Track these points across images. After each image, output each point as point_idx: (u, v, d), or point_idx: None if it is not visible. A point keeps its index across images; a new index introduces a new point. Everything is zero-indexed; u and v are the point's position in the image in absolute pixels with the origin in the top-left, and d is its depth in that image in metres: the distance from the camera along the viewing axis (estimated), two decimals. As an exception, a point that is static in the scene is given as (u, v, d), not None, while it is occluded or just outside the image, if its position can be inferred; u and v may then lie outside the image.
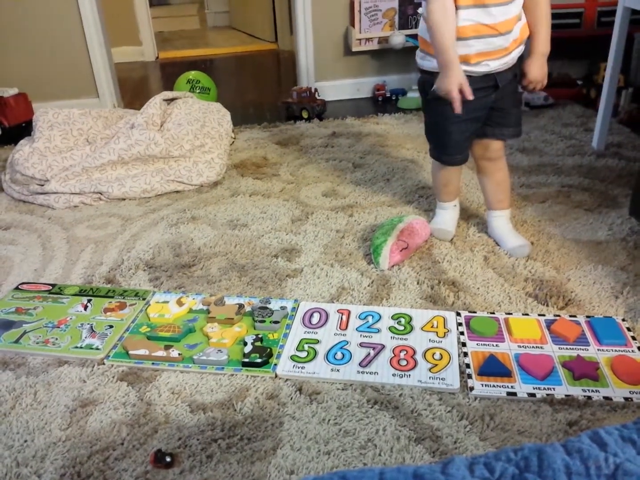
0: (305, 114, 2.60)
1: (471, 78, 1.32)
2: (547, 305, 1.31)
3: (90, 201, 1.90)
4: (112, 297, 1.39)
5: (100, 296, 1.39)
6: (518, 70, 1.40)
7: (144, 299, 1.37)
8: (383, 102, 2.79)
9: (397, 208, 1.77)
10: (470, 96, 1.29)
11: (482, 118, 1.43)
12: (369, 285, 1.41)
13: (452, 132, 1.44)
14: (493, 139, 1.47)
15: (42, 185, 1.91)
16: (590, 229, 1.59)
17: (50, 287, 1.43)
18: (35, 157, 1.94)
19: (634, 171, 1.55)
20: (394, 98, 2.78)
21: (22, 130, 2.46)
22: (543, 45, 1.35)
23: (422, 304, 1.34)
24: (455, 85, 1.28)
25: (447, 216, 1.62)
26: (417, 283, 1.41)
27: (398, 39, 2.66)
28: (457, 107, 1.30)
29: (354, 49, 2.74)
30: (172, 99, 2.21)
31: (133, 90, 3.19)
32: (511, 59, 1.37)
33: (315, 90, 2.65)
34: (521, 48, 1.39)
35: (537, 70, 1.36)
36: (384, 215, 1.73)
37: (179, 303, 1.35)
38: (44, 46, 2.66)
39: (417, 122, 2.46)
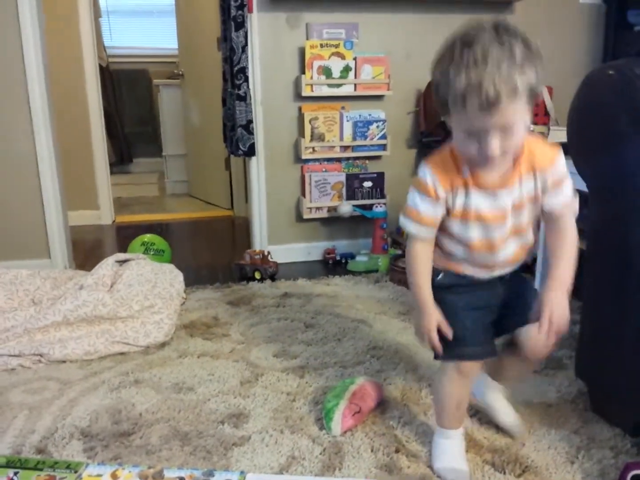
0: (257, 275, 2.64)
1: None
2: (505, 473, 1.27)
3: (29, 364, 1.81)
4: (41, 469, 1.26)
5: (29, 468, 1.26)
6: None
7: (75, 472, 1.25)
8: (333, 265, 2.89)
9: (349, 369, 1.75)
10: (450, 335, 1.18)
11: (494, 308, 1.26)
12: (320, 454, 1.34)
13: (463, 320, 1.21)
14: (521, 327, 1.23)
15: (-22, 347, 1.82)
16: (540, 392, 1.60)
17: (-29, 460, 1.30)
18: (-25, 317, 1.87)
19: (575, 334, 1.61)
20: (343, 261, 2.89)
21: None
22: (558, 279, 1.14)
23: (377, 474, 1.27)
24: (433, 327, 1.18)
25: (456, 448, 1.29)
26: (372, 451, 1.35)
27: (346, 208, 2.83)
28: (439, 348, 1.19)
29: (305, 217, 2.89)
30: (125, 261, 2.22)
31: (86, 252, 3.20)
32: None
33: (268, 252, 2.73)
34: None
35: (555, 310, 1.11)
36: (336, 376, 1.70)
37: (114, 476, 1.23)
38: (-3, 206, 2.69)
39: (366, 284, 2.54)
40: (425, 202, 1.15)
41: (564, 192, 1.13)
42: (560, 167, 1.12)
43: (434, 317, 1.19)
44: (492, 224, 1.15)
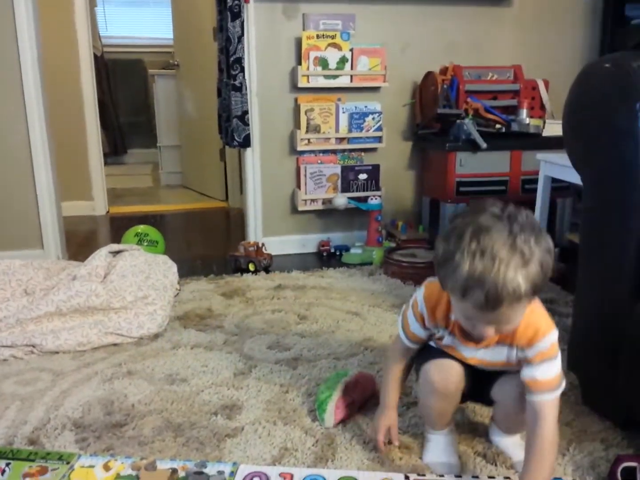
0: (252, 267, 2.64)
1: None
2: (496, 465, 1.27)
3: (22, 354, 1.80)
4: (33, 460, 1.26)
5: (21, 459, 1.26)
6: None
7: (67, 463, 1.25)
8: (327, 257, 2.88)
9: (342, 361, 1.75)
10: (396, 442, 1.26)
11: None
12: (313, 445, 1.34)
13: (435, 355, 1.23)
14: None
15: (-30, 337, 1.81)
16: (532, 383, 1.60)
17: (-37, 451, 1.30)
18: (-33, 307, 1.86)
19: (567, 326, 1.61)
20: (337, 253, 2.89)
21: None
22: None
23: (369, 466, 1.27)
24: (382, 427, 1.26)
25: (445, 445, 1.29)
26: (364, 442, 1.35)
27: (341, 200, 2.83)
28: (380, 449, 1.27)
29: (300, 209, 2.89)
30: (119, 252, 2.21)
31: (79, 243, 3.19)
32: None
33: (263, 244, 2.73)
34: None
35: None
36: (329, 368, 1.70)
37: (106, 468, 1.23)
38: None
39: (360, 276, 2.54)
40: (415, 322, 1.20)
41: (540, 370, 1.09)
42: (540, 347, 1.09)
43: (389, 419, 1.27)
44: (463, 360, 1.19)
